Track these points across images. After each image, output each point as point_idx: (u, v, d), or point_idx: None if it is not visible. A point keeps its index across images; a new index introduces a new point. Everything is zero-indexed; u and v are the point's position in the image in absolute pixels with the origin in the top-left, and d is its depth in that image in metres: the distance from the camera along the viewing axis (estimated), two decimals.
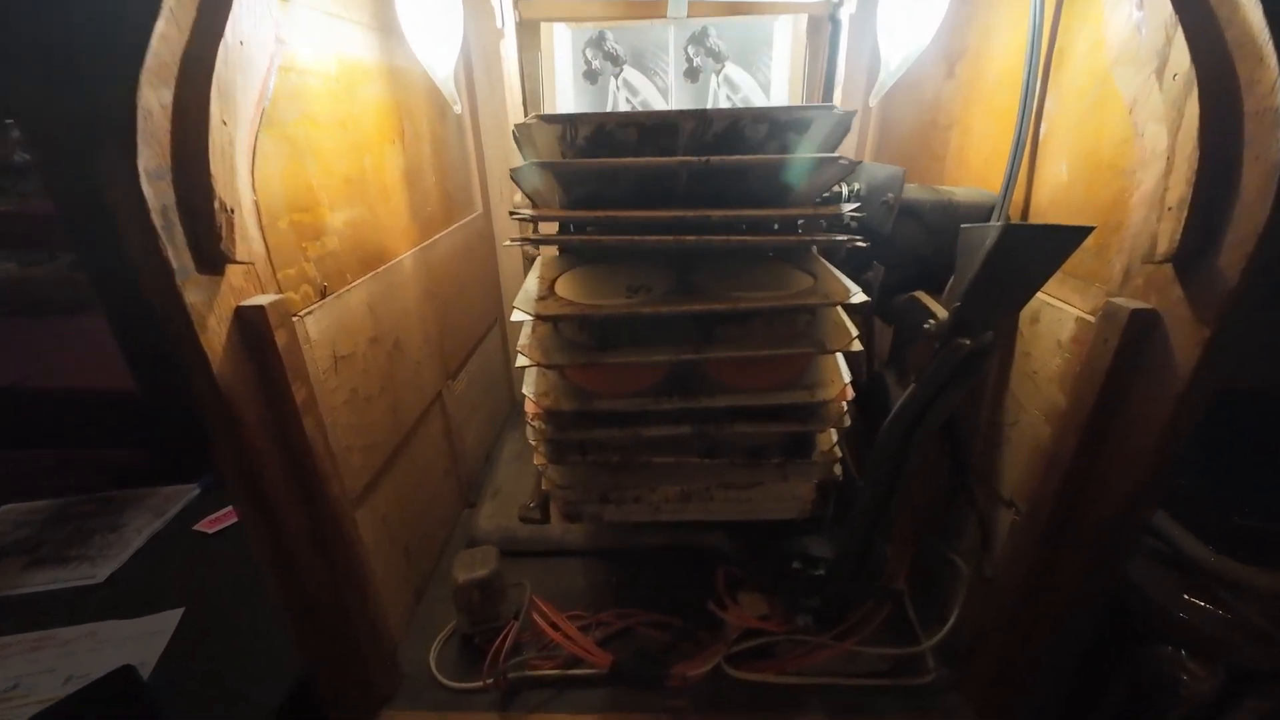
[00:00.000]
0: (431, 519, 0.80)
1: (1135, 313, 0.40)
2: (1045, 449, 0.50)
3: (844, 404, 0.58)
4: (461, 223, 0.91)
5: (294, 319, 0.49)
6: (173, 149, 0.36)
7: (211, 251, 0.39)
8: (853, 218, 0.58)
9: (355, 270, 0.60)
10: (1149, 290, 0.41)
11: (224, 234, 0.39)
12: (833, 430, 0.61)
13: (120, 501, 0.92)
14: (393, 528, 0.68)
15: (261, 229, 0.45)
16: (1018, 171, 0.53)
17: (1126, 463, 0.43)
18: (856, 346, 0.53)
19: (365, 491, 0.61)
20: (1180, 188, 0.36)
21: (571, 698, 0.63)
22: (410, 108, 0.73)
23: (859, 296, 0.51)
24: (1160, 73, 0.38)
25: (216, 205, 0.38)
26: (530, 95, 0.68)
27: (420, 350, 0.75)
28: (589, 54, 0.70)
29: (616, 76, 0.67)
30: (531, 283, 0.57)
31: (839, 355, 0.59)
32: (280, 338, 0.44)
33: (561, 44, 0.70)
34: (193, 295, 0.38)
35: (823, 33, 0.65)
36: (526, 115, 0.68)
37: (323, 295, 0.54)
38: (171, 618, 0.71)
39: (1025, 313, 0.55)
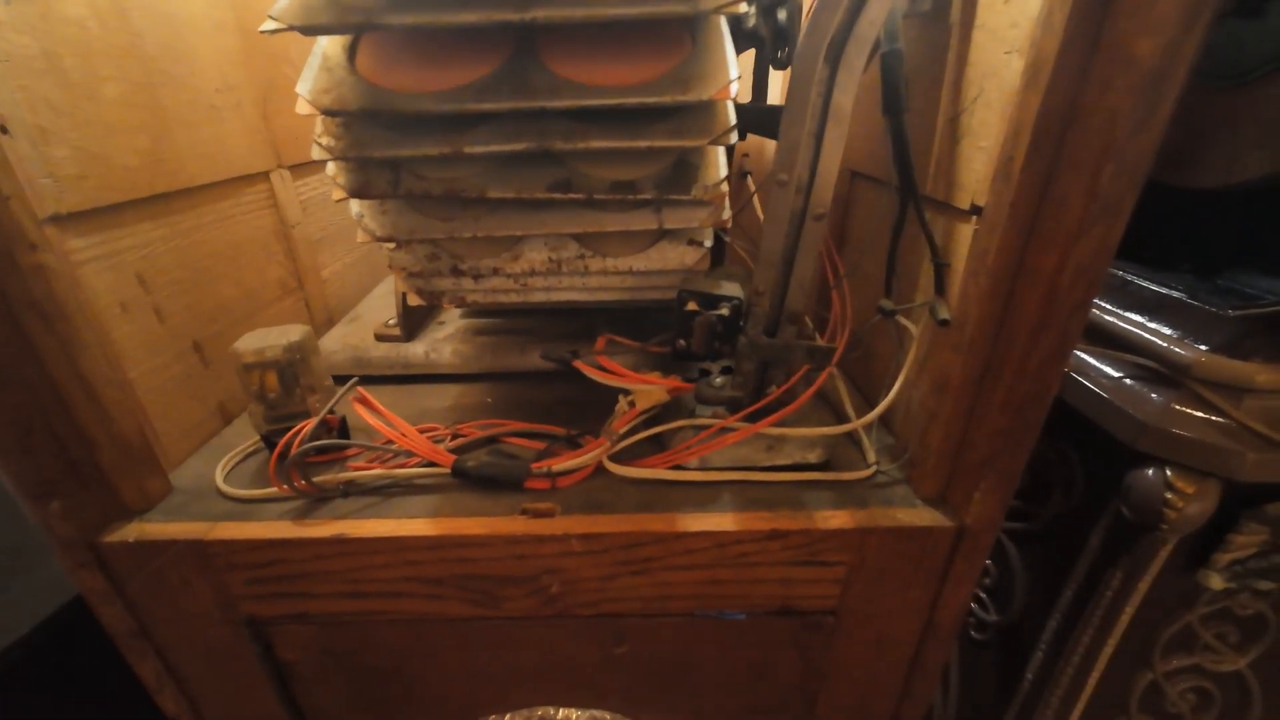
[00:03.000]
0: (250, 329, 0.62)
1: None
2: (1014, 98, 0.36)
3: (728, 108, 0.41)
4: None
5: None
6: None
7: None
8: None
9: None
10: None
11: None
12: (719, 151, 0.46)
13: None
14: (161, 301, 0.50)
15: None
16: None
17: (1140, 8, 0.28)
18: (740, 7, 0.37)
19: (91, 216, 0.43)
20: None
21: (400, 504, 0.47)
22: None
23: None
24: None
25: None
26: None
27: (217, 92, 0.57)
28: None
29: None
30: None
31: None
32: None
33: None
34: None
35: None
36: None
37: None
38: None
39: None
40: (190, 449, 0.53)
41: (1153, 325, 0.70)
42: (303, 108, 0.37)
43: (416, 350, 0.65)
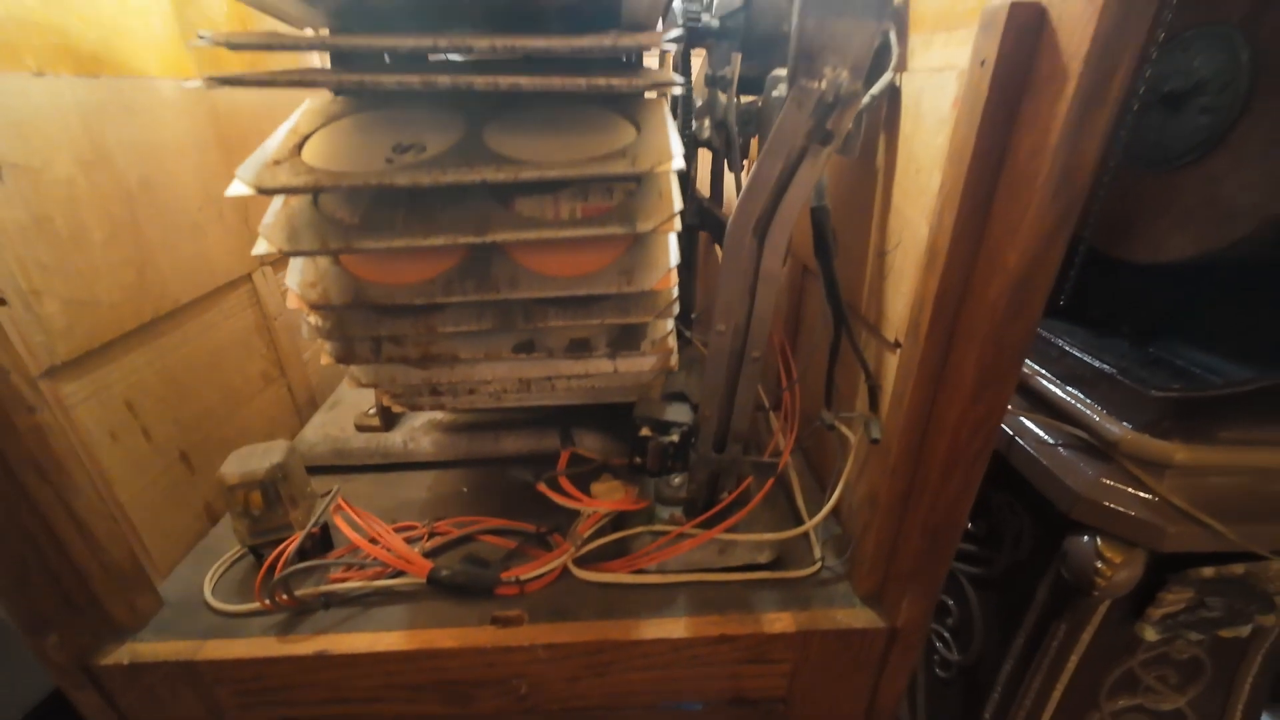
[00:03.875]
0: (237, 429, 0.65)
1: (1015, 8, 0.30)
2: (931, 238, 0.40)
3: (671, 290, 0.45)
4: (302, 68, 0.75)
5: None
6: None
7: None
8: (694, 17, 0.46)
9: (44, 55, 0.45)
10: None
11: None
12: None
13: None
14: (149, 423, 0.53)
15: None
16: None
17: (1014, 224, 0.33)
18: (675, 226, 0.41)
19: (81, 360, 0.46)
20: None
21: (378, 616, 0.50)
22: None
23: (678, 160, 0.38)
24: None
25: None
26: None
27: (199, 210, 0.60)
28: None
29: None
30: (275, 140, 0.42)
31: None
32: None
33: None
34: None
35: None
36: None
37: None
38: None
39: (907, 101, 0.44)
40: (179, 555, 0.56)
41: (1086, 399, 0.75)
42: (292, 301, 0.41)
43: (395, 440, 0.68)
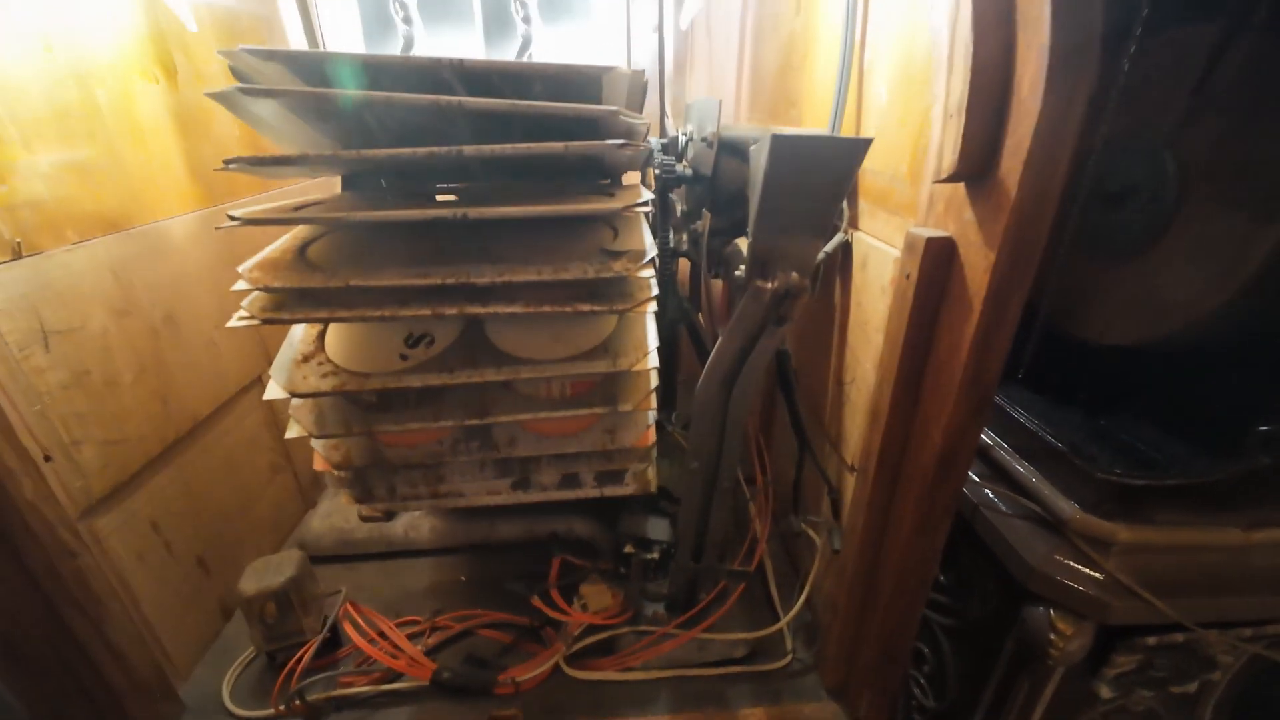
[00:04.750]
0: (248, 524, 0.69)
1: (932, 241, 0.35)
2: (872, 402, 0.46)
3: (650, 446, 0.51)
4: (303, 184, 0.80)
5: None
6: None
7: None
8: (670, 167, 0.52)
9: (84, 226, 0.50)
10: (948, 216, 0.36)
11: None
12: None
13: None
14: (171, 537, 0.57)
15: None
16: (845, 97, 0.48)
17: (941, 405, 0.38)
18: (651, 404, 0.46)
19: (114, 494, 0.51)
20: (959, 88, 0.31)
21: (385, 717, 0.54)
22: (186, 40, 0.62)
23: (653, 357, 0.44)
24: None
25: None
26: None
27: (217, 329, 0.65)
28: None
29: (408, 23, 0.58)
30: (298, 332, 0.47)
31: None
32: None
33: None
34: None
35: None
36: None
37: (15, 254, 0.44)
38: None
39: (856, 258, 0.50)
40: (197, 656, 0.60)
41: (1040, 474, 0.81)
42: (319, 464, 0.46)
43: (396, 529, 0.72)
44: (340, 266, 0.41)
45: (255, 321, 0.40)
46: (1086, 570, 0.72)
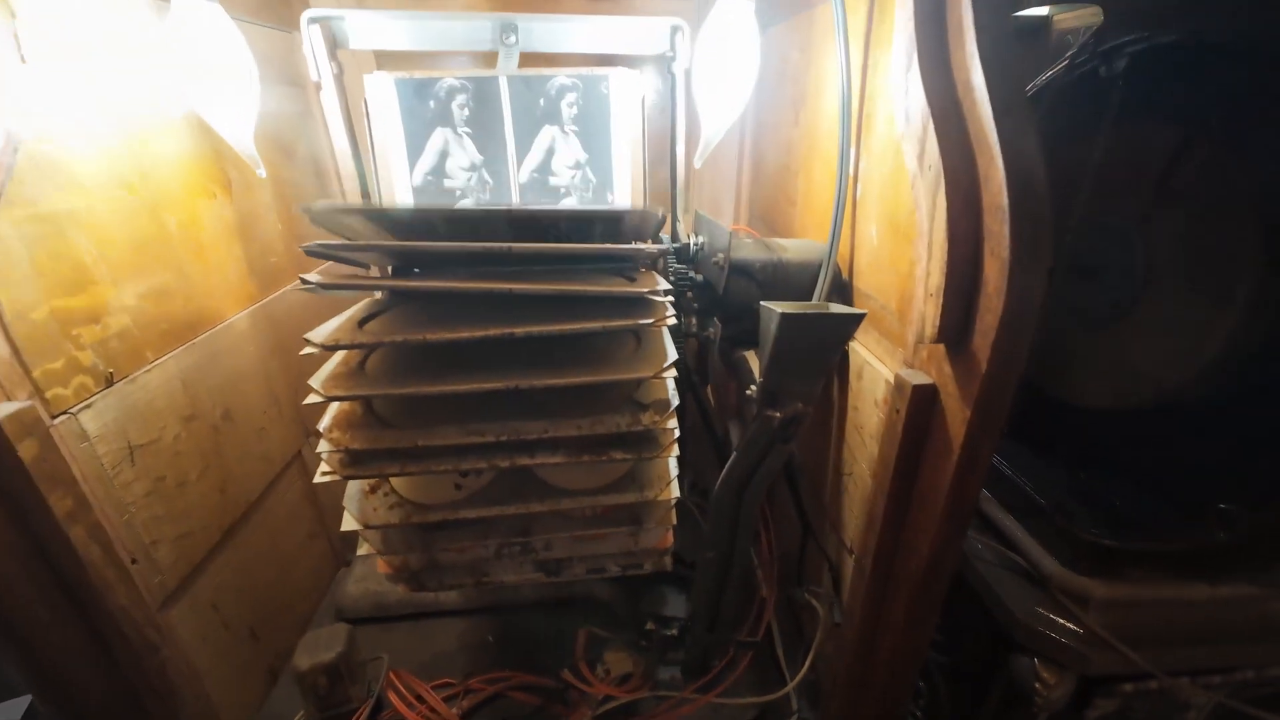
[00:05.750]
0: (289, 590, 0.75)
1: (917, 388, 0.41)
2: (869, 497, 0.52)
3: (668, 546, 0.57)
4: (327, 265, 0.86)
5: (59, 419, 0.44)
6: None
7: None
8: (683, 274, 0.58)
9: (159, 345, 0.55)
10: (931, 363, 0.42)
11: None
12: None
13: None
14: (228, 614, 0.63)
15: (3, 328, 0.40)
16: (839, 234, 0.54)
17: (927, 522, 0.44)
18: (671, 521, 0.52)
19: (183, 584, 0.56)
20: (937, 275, 0.37)
21: None
22: (236, 155, 0.68)
23: (674, 489, 0.50)
24: (920, 159, 0.39)
25: None
26: (361, 141, 0.64)
27: (264, 414, 0.70)
28: (419, 101, 0.66)
29: (453, 128, 0.64)
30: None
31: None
32: (26, 450, 0.40)
33: (388, 90, 0.65)
34: None
35: (662, 86, 0.65)
36: (358, 163, 0.64)
37: (109, 383, 0.49)
38: (18, 706, 0.64)
39: (852, 367, 0.56)
40: None
41: (1025, 531, 0.87)
42: (382, 567, 0.52)
43: (427, 594, 0.78)
44: (401, 413, 0.47)
45: (338, 477, 0.46)
46: (1067, 624, 0.78)
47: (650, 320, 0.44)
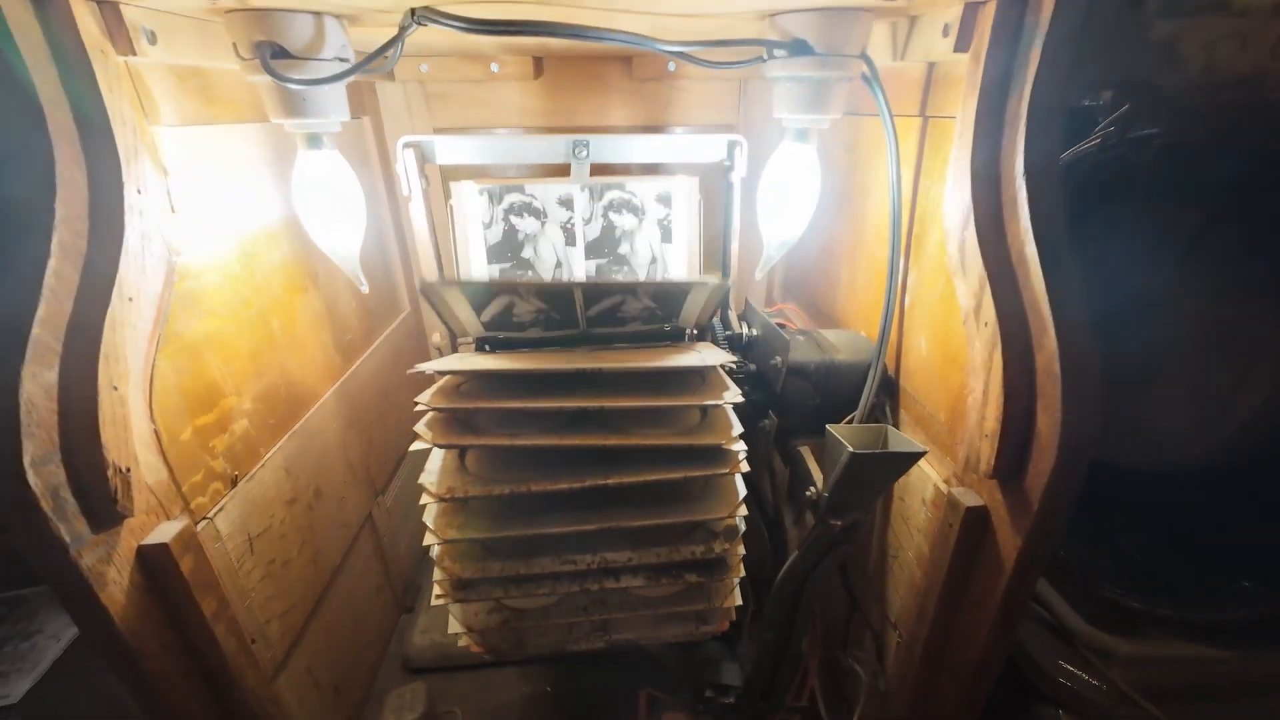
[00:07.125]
0: (362, 642, 0.80)
1: (970, 509, 0.46)
2: (918, 589, 0.57)
3: (725, 628, 0.62)
4: (386, 333, 0.92)
5: (200, 525, 0.49)
6: (60, 429, 0.37)
7: (107, 513, 0.40)
8: (742, 368, 0.64)
9: (269, 439, 0.61)
10: (983, 486, 0.47)
11: (119, 495, 0.40)
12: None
13: (33, 602, 0.85)
14: (319, 674, 0.68)
15: (162, 452, 0.46)
16: (887, 340, 0.58)
17: (977, 625, 0.49)
18: (731, 618, 0.57)
19: (287, 655, 0.62)
20: (992, 422, 0.42)
21: None
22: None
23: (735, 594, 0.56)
24: (976, 313, 0.44)
25: (110, 472, 0.39)
26: (443, 249, 0.70)
27: (343, 484, 0.76)
28: (497, 207, 0.72)
29: (530, 233, 0.70)
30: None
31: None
32: (186, 564, 0.45)
33: (472, 198, 0.71)
34: (89, 559, 0.39)
35: (717, 193, 0.70)
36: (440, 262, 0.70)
37: (233, 484, 0.55)
38: None
39: None
40: None
41: (1052, 587, 0.91)
42: (464, 641, 0.57)
43: None
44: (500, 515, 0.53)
45: (448, 601, 0.52)
46: (1092, 680, 0.83)
47: (725, 470, 0.50)
